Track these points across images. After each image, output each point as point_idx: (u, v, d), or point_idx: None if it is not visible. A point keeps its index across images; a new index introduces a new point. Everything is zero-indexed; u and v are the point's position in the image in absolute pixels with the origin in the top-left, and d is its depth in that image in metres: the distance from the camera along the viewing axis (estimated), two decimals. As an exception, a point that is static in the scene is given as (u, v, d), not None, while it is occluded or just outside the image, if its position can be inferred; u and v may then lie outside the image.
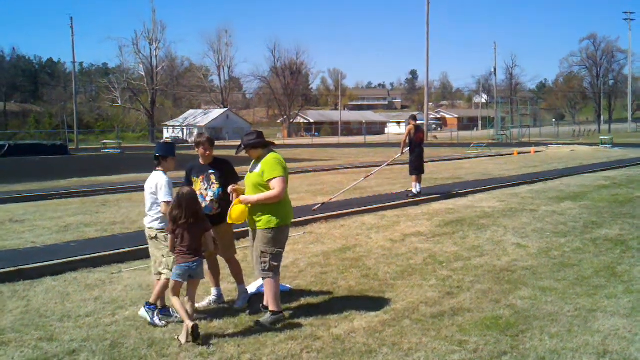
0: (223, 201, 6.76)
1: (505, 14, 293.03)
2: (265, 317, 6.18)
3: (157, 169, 6.56)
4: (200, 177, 6.86)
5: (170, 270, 6.27)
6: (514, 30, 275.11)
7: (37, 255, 9.19)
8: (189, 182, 6.94)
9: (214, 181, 6.81)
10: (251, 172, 6.36)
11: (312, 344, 5.57)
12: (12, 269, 8.30)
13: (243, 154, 6.47)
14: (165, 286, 6.31)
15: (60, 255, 9.07)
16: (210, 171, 6.85)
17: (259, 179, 6.20)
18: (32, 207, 15.32)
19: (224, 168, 6.95)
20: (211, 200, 6.78)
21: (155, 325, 6.13)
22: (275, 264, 6.25)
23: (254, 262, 6.47)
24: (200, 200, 6.64)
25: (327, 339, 5.70)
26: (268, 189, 6.17)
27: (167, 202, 6.26)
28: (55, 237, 10.82)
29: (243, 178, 6.72)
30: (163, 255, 6.39)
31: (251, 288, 7.32)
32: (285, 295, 7.20)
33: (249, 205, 6.26)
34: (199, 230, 6.00)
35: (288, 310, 6.64)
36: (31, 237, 10.83)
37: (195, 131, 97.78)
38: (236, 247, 7.32)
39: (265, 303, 6.44)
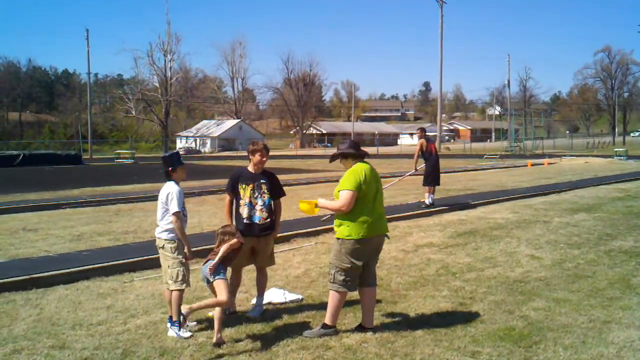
0: (271, 211, 6.88)
1: (519, 26, 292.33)
2: (314, 330, 6.08)
3: (170, 180, 6.57)
4: (251, 185, 6.86)
5: (175, 282, 6.31)
6: (527, 43, 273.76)
7: (50, 263, 9.23)
8: (232, 189, 6.97)
9: (265, 191, 6.83)
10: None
11: (323, 354, 5.55)
12: (25, 277, 8.34)
13: (338, 162, 6.35)
14: (177, 298, 6.31)
15: (73, 264, 9.10)
16: (262, 180, 6.88)
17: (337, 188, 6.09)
18: (45, 216, 15.41)
19: (273, 180, 6.98)
20: (260, 209, 6.82)
21: (184, 339, 6.07)
22: (341, 277, 6.02)
23: None
24: (249, 208, 6.77)
25: (339, 349, 5.67)
26: None
27: (177, 213, 6.31)
28: (68, 246, 10.87)
29: (283, 194, 6.99)
30: (169, 267, 6.40)
31: (267, 297, 7.29)
32: (297, 305, 7.19)
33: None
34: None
35: (300, 320, 6.63)
36: (44, 246, 10.88)
37: (209, 142, 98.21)
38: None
39: None
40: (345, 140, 6.32)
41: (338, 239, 6.06)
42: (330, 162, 6.48)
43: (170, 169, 6.53)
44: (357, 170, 6.04)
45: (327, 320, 6.10)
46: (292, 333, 6.16)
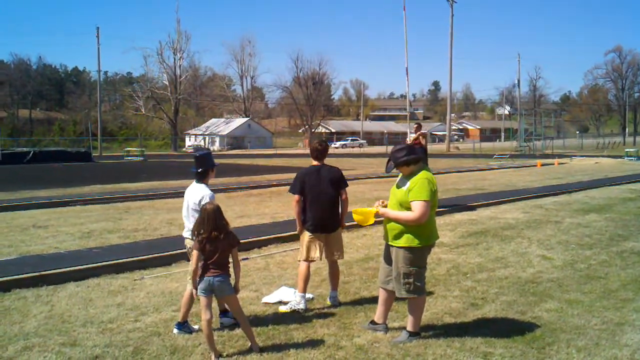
0: None
1: (530, 26, 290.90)
2: (401, 337, 5.93)
3: (201, 182, 6.46)
4: None
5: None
6: (538, 42, 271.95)
7: (60, 260, 9.24)
8: None
9: None
10: (398, 187, 6.00)
11: (335, 354, 5.52)
12: (35, 274, 8.35)
13: (394, 171, 6.14)
14: (186, 298, 6.26)
15: (83, 261, 9.12)
16: None
17: (405, 197, 5.79)
18: (55, 213, 15.44)
19: None
20: None
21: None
22: (420, 284, 5.93)
23: (381, 275, 6.28)
24: None
25: (350, 349, 5.65)
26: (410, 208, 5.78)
27: None
28: (78, 243, 10.88)
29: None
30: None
31: (277, 296, 7.28)
32: (307, 304, 7.16)
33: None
34: (225, 246, 5.66)
35: (311, 318, 6.61)
36: (54, 243, 10.90)
37: (217, 140, 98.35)
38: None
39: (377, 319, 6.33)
40: (401, 147, 6.00)
41: (412, 247, 5.84)
42: (387, 172, 6.18)
43: (202, 170, 6.44)
44: (430, 179, 5.85)
45: (413, 327, 5.96)
46: (302, 332, 6.15)
